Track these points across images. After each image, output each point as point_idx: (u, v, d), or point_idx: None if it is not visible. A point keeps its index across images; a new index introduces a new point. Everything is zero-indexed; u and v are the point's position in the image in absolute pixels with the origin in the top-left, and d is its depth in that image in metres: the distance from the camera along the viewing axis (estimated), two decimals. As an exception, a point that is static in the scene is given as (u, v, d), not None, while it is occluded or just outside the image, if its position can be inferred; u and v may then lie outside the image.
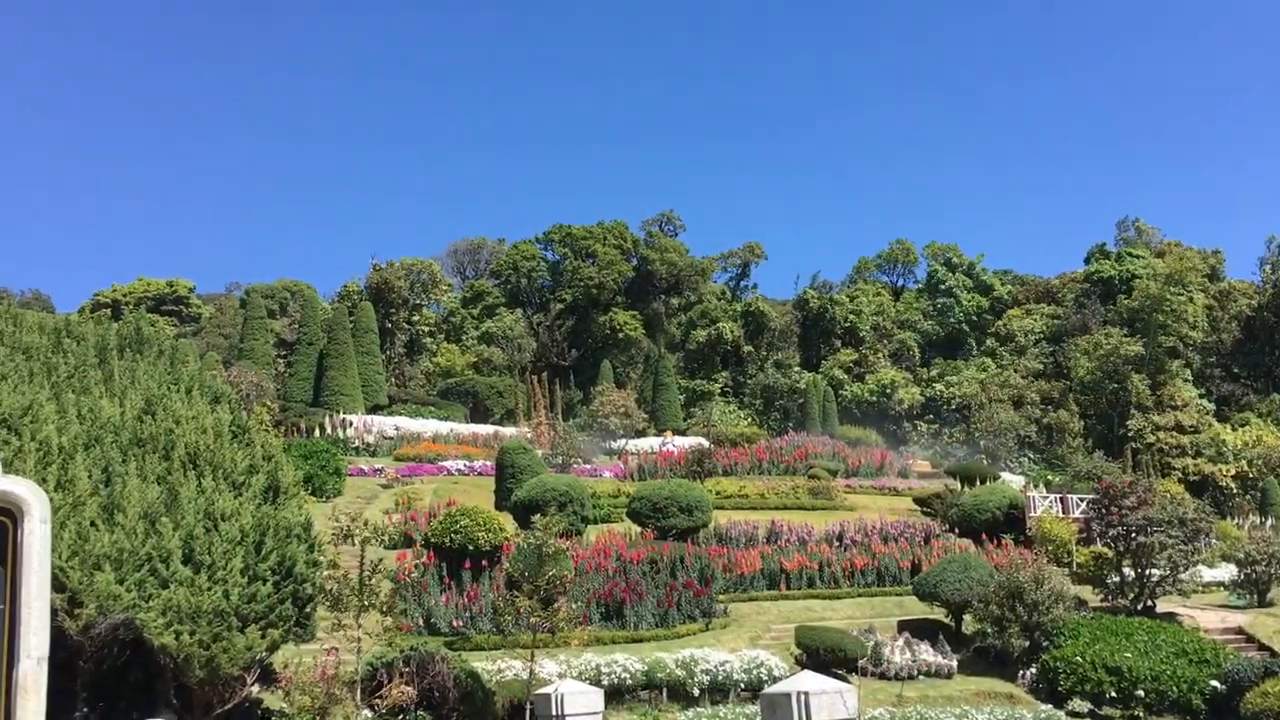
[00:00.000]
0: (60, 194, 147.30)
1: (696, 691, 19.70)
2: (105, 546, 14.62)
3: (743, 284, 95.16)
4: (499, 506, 29.48)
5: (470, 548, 22.88)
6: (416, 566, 22.89)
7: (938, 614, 25.14)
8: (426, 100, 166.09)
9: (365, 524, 17.00)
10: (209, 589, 14.08)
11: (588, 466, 42.29)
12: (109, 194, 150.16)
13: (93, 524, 15.14)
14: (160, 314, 73.82)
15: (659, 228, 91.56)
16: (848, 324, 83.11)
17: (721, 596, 25.39)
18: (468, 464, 39.79)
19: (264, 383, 48.47)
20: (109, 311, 70.87)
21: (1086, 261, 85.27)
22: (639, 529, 27.81)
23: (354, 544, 22.08)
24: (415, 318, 76.77)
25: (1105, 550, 27.78)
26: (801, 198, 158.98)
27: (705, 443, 46.71)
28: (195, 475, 18.03)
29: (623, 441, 51.23)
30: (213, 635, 13.37)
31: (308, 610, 15.32)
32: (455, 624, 21.64)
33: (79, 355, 26.59)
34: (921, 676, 22.34)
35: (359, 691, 15.29)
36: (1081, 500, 31.74)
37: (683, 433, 58.91)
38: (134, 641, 13.60)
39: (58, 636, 10.15)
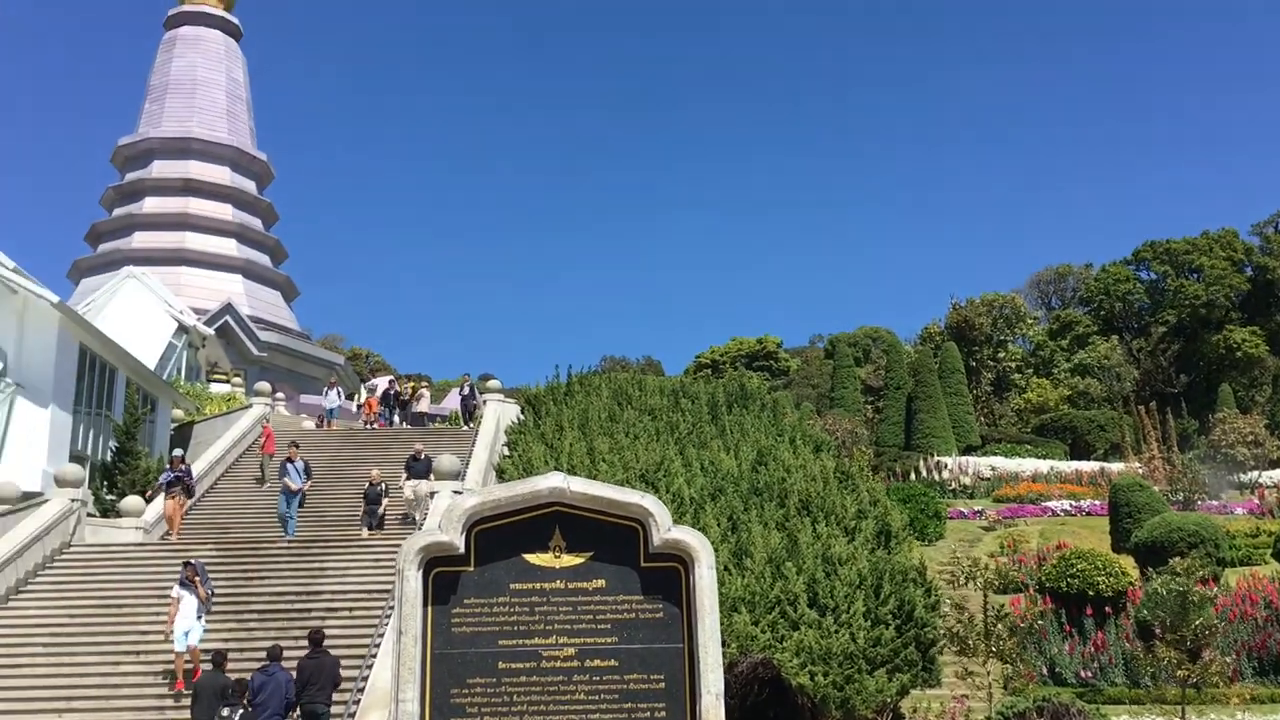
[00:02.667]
0: (664, 270, 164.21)
1: (1393, 767, 16.57)
2: (738, 590, 15.60)
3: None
4: (1116, 548, 27.37)
5: (1090, 593, 21.41)
6: (1033, 612, 21.87)
7: None
8: (1002, 133, 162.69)
9: (985, 568, 16.52)
10: (836, 632, 14.48)
11: (1214, 503, 37.94)
12: (701, 268, 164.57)
13: (725, 569, 16.27)
14: (753, 370, 78.76)
15: (1276, 229, 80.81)
16: None
17: None
18: (1073, 504, 37.51)
19: (857, 429, 49.71)
20: (710, 371, 77.37)
21: None
22: (1290, 572, 24.29)
23: (968, 588, 21.64)
24: (1000, 354, 74.60)
25: None
26: None
27: (1363, 471, 39.87)
28: (809, 521, 18.77)
29: (1254, 473, 45.40)
30: (845, 677, 13.67)
31: (931, 654, 15.16)
32: (1082, 674, 20.28)
33: (694, 413, 29.11)
34: None
35: (992, 741, 14.80)
36: None
37: (1331, 460, 50.86)
38: (771, 680, 14.32)
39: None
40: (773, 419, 29.03)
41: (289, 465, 22.21)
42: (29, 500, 21.15)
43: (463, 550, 6.85)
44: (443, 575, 6.82)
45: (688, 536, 6.95)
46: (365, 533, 21.39)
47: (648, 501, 6.99)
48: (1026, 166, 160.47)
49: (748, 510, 19.10)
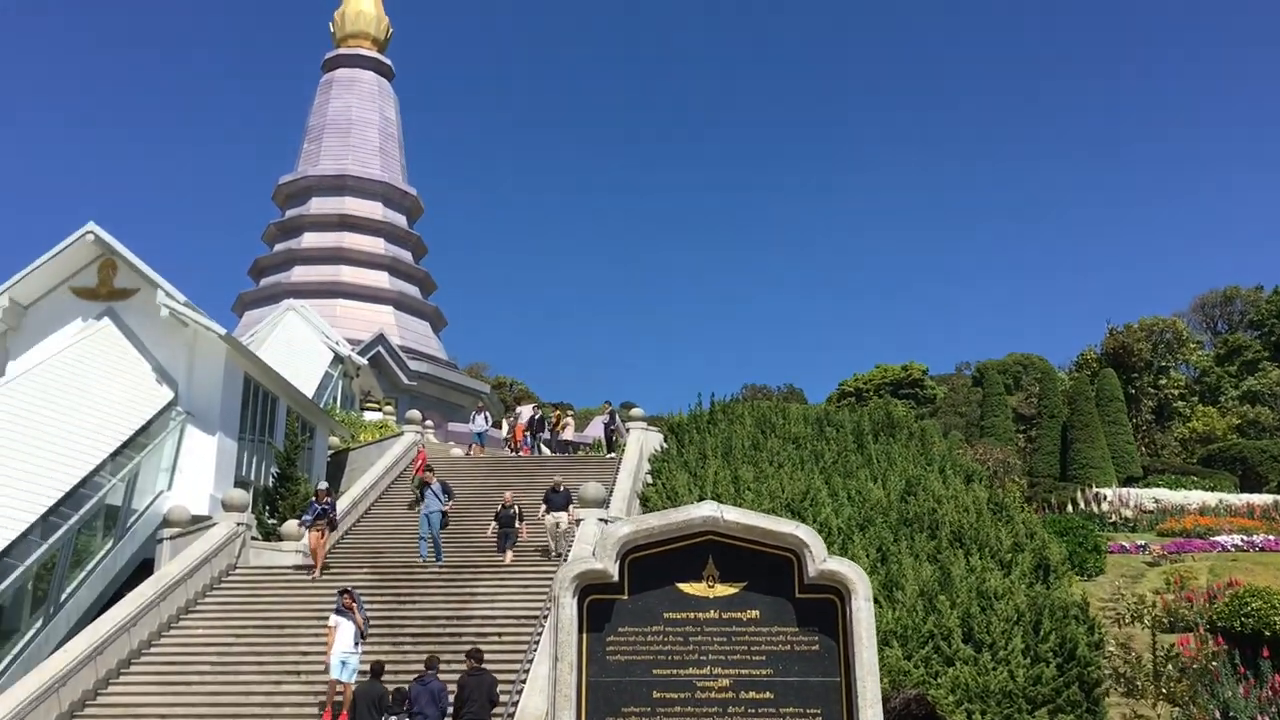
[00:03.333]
0: (805, 296, 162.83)
1: None
2: (889, 623, 15.26)
3: None
4: (1294, 587, 25.76)
5: (1266, 633, 20.18)
6: (1205, 653, 20.71)
7: None
8: (1163, 149, 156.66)
9: (1154, 605, 15.75)
10: (993, 669, 14.01)
11: (1402, 539, 35.33)
12: (844, 293, 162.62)
13: (875, 601, 15.92)
14: (898, 398, 77.21)
15: None
16: None
17: None
18: (1245, 538, 35.45)
19: (1009, 459, 48.19)
20: (853, 399, 76.20)
21: None
22: None
23: (1133, 626, 20.63)
24: (1162, 381, 71.39)
25: None
26: None
27: None
28: (962, 553, 18.28)
29: None
30: (1004, 716, 13.21)
31: (1095, 695, 14.51)
32: (1259, 719, 19.11)
33: (839, 442, 28.72)
34: None
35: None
36: None
37: None
38: (925, 717, 13.92)
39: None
40: (921, 448, 28.43)
41: (427, 489, 22.53)
42: (198, 523, 22.17)
43: (617, 578, 6.85)
44: (597, 603, 6.83)
45: (843, 568, 6.82)
46: (506, 557, 21.55)
47: (802, 531, 6.89)
48: (1189, 184, 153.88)
49: (897, 541, 18.72)
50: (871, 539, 18.64)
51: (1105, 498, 42.58)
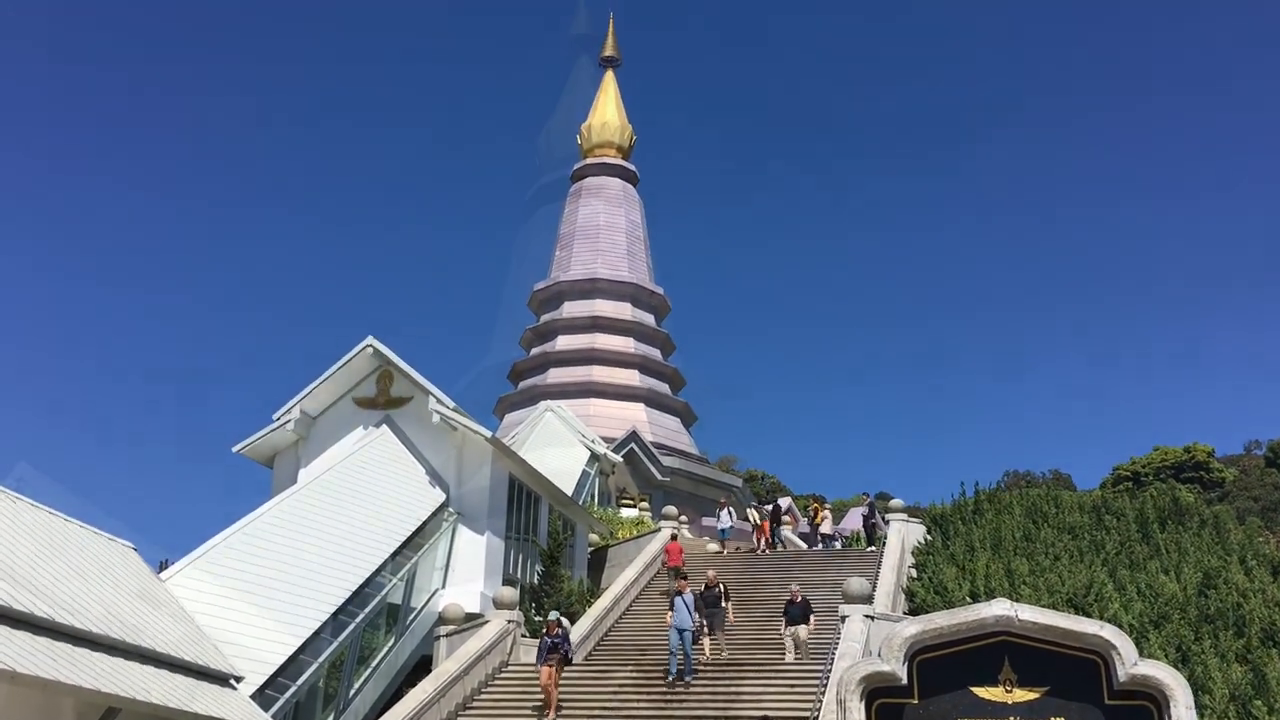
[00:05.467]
0: (1071, 372, 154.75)
1: None
2: (1199, 731, 13.89)
3: None
4: None
5: None
6: None
7: None
8: None
9: None
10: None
11: None
12: (1114, 370, 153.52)
13: (1180, 706, 14.60)
14: (1179, 481, 71.73)
15: None
16: None
17: None
18: None
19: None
20: (1130, 484, 71.22)
21: None
22: None
23: None
24: None
25: None
26: None
27: None
28: (1277, 654, 16.62)
29: None
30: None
31: None
32: None
33: (1121, 531, 26.86)
34: None
35: None
36: None
37: None
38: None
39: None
40: (1215, 537, 26.29)
41: (678, 599, 20.67)
42: (471, 621, 22.96)
43: (905, 681, 6.50)
44: (886, 707, 6.49)
45: (1159, 672, 6.23)
46: (707, 645, 20.99)
47: (1108, 632, 6.37)
48: None
49: (1199, 640, 17.19)
50: (1169, 637, 17.19)
51: None
